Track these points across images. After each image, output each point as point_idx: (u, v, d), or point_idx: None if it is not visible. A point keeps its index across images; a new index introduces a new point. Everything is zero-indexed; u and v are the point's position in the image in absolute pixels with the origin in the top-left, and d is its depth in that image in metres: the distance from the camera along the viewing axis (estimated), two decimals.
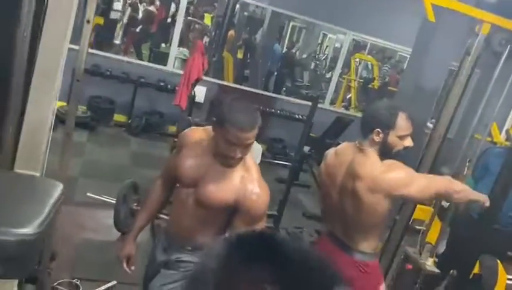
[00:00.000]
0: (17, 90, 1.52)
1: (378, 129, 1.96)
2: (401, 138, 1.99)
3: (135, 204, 3.83)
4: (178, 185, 1.94)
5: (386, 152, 2.00)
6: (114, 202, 3.74)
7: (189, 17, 8.30)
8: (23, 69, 1.50)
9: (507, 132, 6.46)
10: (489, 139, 4.70)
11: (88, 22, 2.19)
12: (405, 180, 1.96)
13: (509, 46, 2.73)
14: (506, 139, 5.61)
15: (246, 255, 0.55)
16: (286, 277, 0.52)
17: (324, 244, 2.18)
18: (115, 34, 8.44)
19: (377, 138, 1.98)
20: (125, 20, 8.65)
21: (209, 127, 1.85)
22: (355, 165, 2.00)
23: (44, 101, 1.39)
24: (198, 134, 1.91)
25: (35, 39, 1.56)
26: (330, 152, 2.21)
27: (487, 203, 2.17)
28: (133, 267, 2.06)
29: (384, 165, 1.98)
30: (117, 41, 8.38)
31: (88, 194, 4.02)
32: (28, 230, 1.07)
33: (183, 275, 1.86)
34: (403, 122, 1.97)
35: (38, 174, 1.36)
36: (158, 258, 1.98)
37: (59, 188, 1.22)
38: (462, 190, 2.09)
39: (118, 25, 8.41)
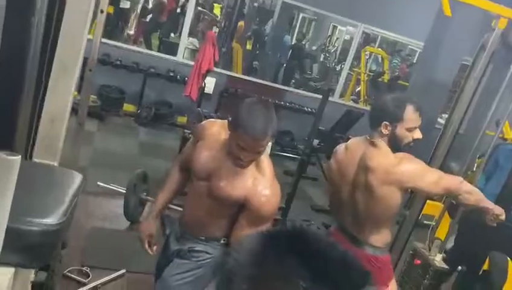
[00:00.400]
0: (31, 80, 1.53)
1: (386, 122, 1.97)
2: (410, 130, 1.98)
3: (144, 193, 3.85)
4: (193, 175, 1.94)
5: (395, 145, 2.00)
6: (123, 191, 3.76)
7: (198, 8, 8.25)
8: (37, 59, 1.50)
9: None
10: (500, 135, 4.66)
11: (102, 11, 2.18)
12: (418, 173, 1.96)
13: None
14: None
15: (280, 250, 0.55)
16: (320, 273, 0.52)
17: (334, 237, 2.18)
18: (126, 23, 8.42)
19: (385, 131, 1.98)
20: (138, 10, 8.63)
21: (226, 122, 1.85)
22: (367, 158, 2.00)
23: (64, 91, 1.39)
24: (216, 127, 1.89)
25: (49, 28, 1.56)
26: (340, 147, 2.20)
27: (503, 217, 2.12)
28: (155, 248, 2.06)
29: (397, 157, 1.97)
30: (130, 31, 8.37)
31: (98, 183, 4.04)
32: (52, 220, 1.08)
33: (196, 264, 1.87)
34: (411, 115, 1.96)
35: (56, 164, 1.37)
36: (171, 248, 1.99)
37: (79, 178, 1.23)
38: (472, 191, 2.08)
39: (132, 15, 8.38)
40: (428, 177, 1.97)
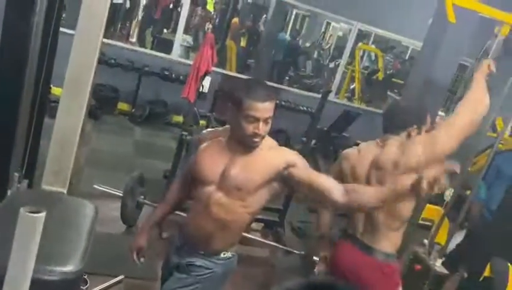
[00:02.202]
0: (29, 88, 1.49)
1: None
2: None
3: (142, 197, 3.81)
4: (198, 185, 1.90)
5: None
6: (120, 194, 3.71)
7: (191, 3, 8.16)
8: (34, 71, 1.46)
9: None
10: (494, 134, 4.69)
11: None
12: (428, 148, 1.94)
13: None
14: (511, 135, 5.61)
15: None
16: None
17: (343, 246, 2.17)
18: (119, 19, 8.30)
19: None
20: (127, 5, 8.50)
21: (225, 127, 1.86)
22: (381, 157, 2.02)
23: (75, 112, 1.34)
24: (215, 134, 1.91)
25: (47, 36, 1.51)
26: (351, 152, 2.20)
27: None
28: (142, 260, 2.04)
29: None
30: (121, 27, 8.26)
31: (95, 186, 3.98)
32: (71, 268, 1.04)
33: (195, 279, 1.84)
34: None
35: (65, 191, 1.32)
36: (172, 260, 1.97)
37: (92, 210, 1.18)
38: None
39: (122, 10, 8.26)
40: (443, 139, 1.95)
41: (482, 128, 3.20)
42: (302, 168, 1.73)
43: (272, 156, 1.76)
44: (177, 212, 3.62)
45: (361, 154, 2.13)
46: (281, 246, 3.93)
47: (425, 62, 4.64)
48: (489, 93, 1.92)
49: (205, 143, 1.88)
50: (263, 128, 1.70)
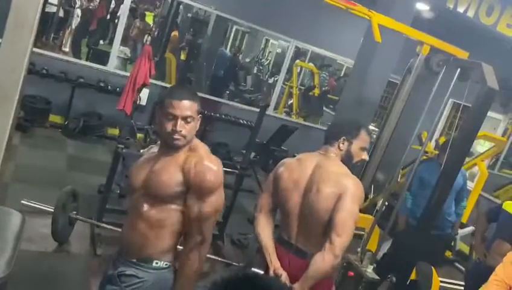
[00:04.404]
0: None
1: (344, 137, 2.14)
2: (362, 149, 2.18)
3: (74, 212, 3.65)
4: (130, 195, 1.90)
5: (347, 161, 2.16)
6: (51, 210, 3.54)
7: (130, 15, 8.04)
8: None
9: (436, 141, 6.93)
10: (419, 147, 5.02)
11: None
12: (351, 200, 2.02)
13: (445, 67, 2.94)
14: (435, 148, 6.03)
15: None
16: None
17: (278, 251, 2.21)
18: (51, 29, 7.99)
19: (342, 146, 2.15)
20: (61, 14, 8.21)
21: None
22: (320, 168, 2.11)
23: (1, 122, 1.28)
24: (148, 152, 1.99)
25: None
26: (290, 160, 2.29)
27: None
28: None
29: (349, 172, 2.10)
30: (53, 37, 7.94)
31: (23, 201, 3.77)
32: None
33: None
34: (365, 135, 2.18)
35: None
36: (107, 274, 1.91)
37: (18, 219, 1.13)
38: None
39: (55, 20, 7.96)
40: (349, 215, 2.00)
41: (409, 142, 3.43)
42: (195, 195, 1.75)
43: (179, 162, 1.78)
44: (114, 228, 3.53)
45: (301, 162, 2.21)
46: (220, 259, 3.92)
47: (357, 79, 4.90)
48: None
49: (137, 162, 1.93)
50: (182, 126, 1.76)
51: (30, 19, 1.34)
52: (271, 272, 2.16)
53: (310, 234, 2.13)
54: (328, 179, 2.07)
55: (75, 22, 8.11)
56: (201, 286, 1.76)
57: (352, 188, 2.04)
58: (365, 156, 2.20)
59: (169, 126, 1.76)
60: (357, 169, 2.97)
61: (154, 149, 1.97)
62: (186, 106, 1.76)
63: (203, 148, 1.85)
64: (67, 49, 7.94)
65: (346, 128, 2.18)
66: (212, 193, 1.75)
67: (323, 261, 1.99)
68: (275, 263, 2.20)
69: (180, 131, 1.76)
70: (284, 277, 2.13)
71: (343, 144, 2.15)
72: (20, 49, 1.50)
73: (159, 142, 1.99)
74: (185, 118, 1.76)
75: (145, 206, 1.79)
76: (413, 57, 3.06)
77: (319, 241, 2.10)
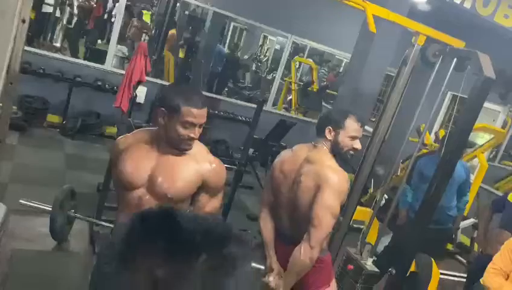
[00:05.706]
0: None
1: (330, 127, 2.12)
2: (351, 138, 2.13)
3: (72, 211, 3.64)
4: (125, 191, 1.86)
5: (336, 151, 2.14)
6: (49, 208, 3.53)
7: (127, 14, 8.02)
8: None
9: (436, 134, 6.92)
10: (417, 140, 4.99)
11: (24, 21, 2.03)
12: (329, 192, 2.00)
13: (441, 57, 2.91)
14: (435, 141, 6.01)
15: (145, 230, 0.60)
16: (177, 253, 0.57)
17: (274, 243, 2.22)
18: (49, 29, 7.97)
19: (328, 136, 2.13)
20: (58, 14, 8.19)
21: (150, 128, 1.90)
22: (308, 159, 2.11)
23: None
24: (130, 139, 1.89)
25: None
26: (286, 151, 2.32)
27: None
28: None
29: (334, 165, 2.07)
30: (50, 37, 7.92)
31: (21, 201, 3.76)
32: None
33: None
34: (352, 124, 2.13)
35: None
36: None
37: (2, 210, 1.12)
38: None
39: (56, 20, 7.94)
40: (326, 207, 1.99)
41: (406, 135, 3.41)
42: (209, 193, 1.84)
43: (193, 165, 1.81)
44: (107, 224, 3.52)
45: (294, 153, 2.23)
46: None
47: (354, 72, 4.88)
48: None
49: (127, 150, 1.84)
50: (198, 132, 1.76)
51: (12, 5, 1.32)
52: (267, 265, 2.17)
53: (298, 226, 2.12)
54: (310, 171, 2.07)
55: (66, 17, 8.08)
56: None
57: (332, 180, 2.01)
58: (357, 145, 2.15)
59: (185, 133, 1.73)
60: (355, 162, 2.95)
61: (143, 136, 1.87)
62: (205, 114, 1.76)
63: (202, 145, 1.88)
64: (58, 44, 7.91)
65: (332, 117, 2.16)
66: (222, 189, 1.88)
67: (300, 253, 1.98)
68: (272, 257, 2.20)
69: (196, 138, 1.77)
70: (274, 273, 2.14)
71: (329, 134, 2.13)
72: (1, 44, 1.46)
73: (144, 128, 1.96)
74: (201, 125, 1.77)
75: (152, 205, 1.72)
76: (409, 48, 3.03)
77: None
